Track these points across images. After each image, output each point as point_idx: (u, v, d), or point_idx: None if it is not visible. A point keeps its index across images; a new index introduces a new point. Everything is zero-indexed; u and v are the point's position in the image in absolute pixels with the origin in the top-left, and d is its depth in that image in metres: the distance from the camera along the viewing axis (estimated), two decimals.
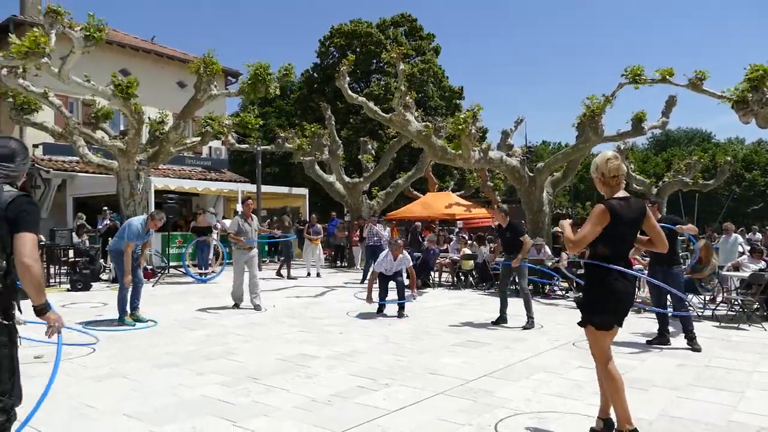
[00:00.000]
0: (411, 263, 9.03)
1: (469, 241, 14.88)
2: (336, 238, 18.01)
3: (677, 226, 6.59)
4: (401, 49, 14.22)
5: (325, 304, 9.75)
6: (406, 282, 8.90)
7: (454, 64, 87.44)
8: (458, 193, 23.91)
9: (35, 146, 20.57)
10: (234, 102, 43.29)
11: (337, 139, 18.68)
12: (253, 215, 9.50)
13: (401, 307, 8.51)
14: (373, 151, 20.19)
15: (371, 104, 14.37)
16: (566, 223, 3.74)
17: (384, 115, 13.65)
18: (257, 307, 8.92)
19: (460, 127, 11.64)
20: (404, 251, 8.93)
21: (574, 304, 9.82)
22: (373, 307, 8.79)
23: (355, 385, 4.72)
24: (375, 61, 33.86)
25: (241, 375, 5.04)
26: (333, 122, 18.74)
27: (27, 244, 2.54)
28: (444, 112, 32.13)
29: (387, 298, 8.73)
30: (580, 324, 3.59)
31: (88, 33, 11.49)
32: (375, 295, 8.64)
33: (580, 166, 14.97)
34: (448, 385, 4.75)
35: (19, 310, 3.73)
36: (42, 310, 2.71)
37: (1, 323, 2.60)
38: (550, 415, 4.05)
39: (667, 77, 11.66)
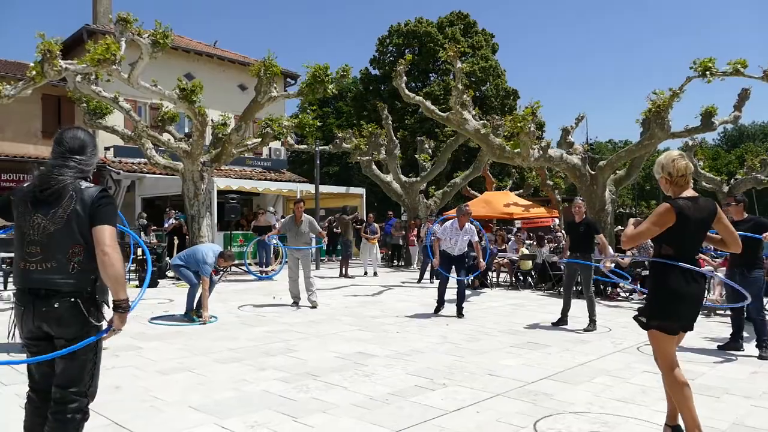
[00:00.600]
0: (477, 237, 8.75)
1: (528, 241, 14.62)
2: (393, 237, 18.07)
3: (764, 235, 6.12)
4: (458, 47, 14.12)
5: (382, 303, 9.79)
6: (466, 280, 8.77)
7: (511, 64, 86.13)
8: (516, 192, 23.53)
9: (106, 149, 21.56)
10: (293, 103, 44.10)
11: (394, 138, 18.73)
12: (306, 217, 9.39)
13: (460, 308, 8.43)
14: (430, 151, 20.14)
15: (428, 103, 14.34)
16: (632, 221, 3.61)
17: (441, 113, 13.59)
18: (313, 304, 9.05)
19: (518, 124, 11.45)
20: (472, 222, 8.69)
21: (638, 306, 9.49)
22: (431, 307, 8.76)
23: (412, 385, 4.72)
24: (433, 60, 33.76)
25: (300, 371, 5.13)
26: (390, 122, 18.80)
27: (105, 234, 2.53)
28: (500, 111, 31.73)
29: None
30: (643, 327, 3.45)
31: (155, 39, 11.95)
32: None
33: (644, 163, 14.43)
34: (506, 386, 4.68)
35: None
36: (122, 307, 2.64)
37: (93, 325, 2.63)
38: (614, 419, 3.92)
39: (740, 69, 11.09)
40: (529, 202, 21.19)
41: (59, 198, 2.52)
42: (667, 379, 3.32)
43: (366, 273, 14.93)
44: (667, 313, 3.32)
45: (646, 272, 9.87)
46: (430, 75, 35.35)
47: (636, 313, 3.53)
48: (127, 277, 12.85)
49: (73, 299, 2.53)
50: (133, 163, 20.88)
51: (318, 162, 17.85)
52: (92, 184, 2.64)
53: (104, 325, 2.67)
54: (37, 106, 19.93)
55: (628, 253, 10.64)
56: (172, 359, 5.60)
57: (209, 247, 8.17)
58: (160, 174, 18.15)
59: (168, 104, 14.81)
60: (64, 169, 2.60)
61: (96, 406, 4.07)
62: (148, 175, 20.00)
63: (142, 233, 15.09)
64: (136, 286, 11.95)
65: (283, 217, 18.59)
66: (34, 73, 10.27)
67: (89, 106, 14.88)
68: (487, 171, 22.35)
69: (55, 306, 2.51)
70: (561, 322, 7.63)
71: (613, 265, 10.31)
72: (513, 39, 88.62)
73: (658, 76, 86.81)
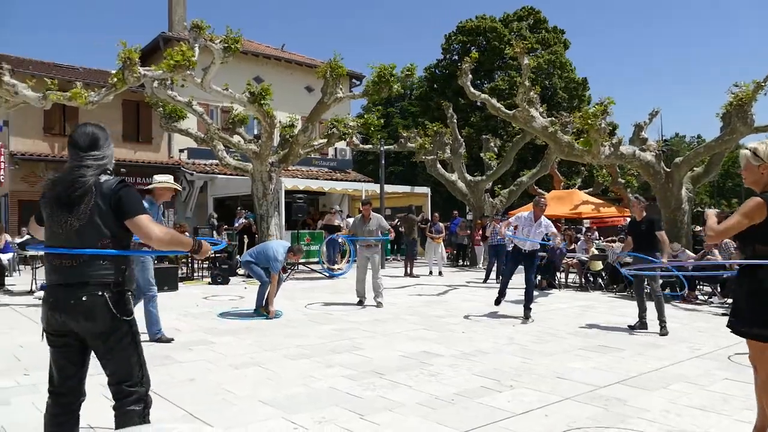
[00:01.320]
0: (554, 229, 8.51)
1: (600, 240, 14.17)
2: (458, 236, 17.95)
3: None
4: (525, 43, 13.87)
5: (447, 303, 9.75)
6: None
7: (580, 57, 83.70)
8: (586, 190, 22.86)
9: (181, 151, 22.50)
10: (358, 104, 44.55)
11: (459, 137, 18.61)
12: (374, 215, 9.60)
13: (528, 310, 8.25)
14: (495, 149, 19.89)
15: (494, 101, 14.15)
16: (711, 212, 3.35)
17: (507, 111, 13.39)
18: (379, 304, 9.11)
19: (589, 121, 11.13)
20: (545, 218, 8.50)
21: (717, 311, 9.03)
22: (497, 307, 8.64)
23: (478, 386, 4.68)
24: (499, 56, 33.31)
25: (366, 369, 5.17)
26: (455, 120, 18.68)
27: (142, 225, 2.54)
28: (568, 105, 30.88)
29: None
30: (741, 334, 3.19)
31: (226, 45, 12.36)
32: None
33: (725, 159, 13.70)
34: (576, 390, 4.56)
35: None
36: (197, 250, 2.80)
37: (122, 320, 2.59)
38: (692, 428, 3.75)
39: None
40: (600, 201, 20.55)
41: (83, 195, 2.54)
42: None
43: (431, 272, 14.90)
44: None
45: (728, 274, 9.38)
46: (496, 72, 34.88)
47: (728, 321, 3.28)
48: (200, 275, 13.34)
49: (100, 293, 2.53)
50: (205, 165, 21.67)
51: (383, 161, 17.96)
52: (110, 177, 2.65)
53: (134, 317, 2.68)
54: (118, 112, 21.00)
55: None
56: (242, 354, 5.77)
57: (279, 244, 8.38)
58: (230, 175, 18.75)
59: (238, 107, 15.28)
60: (82, 169, 2.59)
61: (172, 397, 4.27)
62: (219, 176, 20.71)
63: (214, 232, 15.65)
64: (208, 283, 12.38)
65: (349, 216, 18.82)
66: (115, 80, 10.82)
67: (165, 110, 15.55)
68: (554, 169, 21.84)
69: (83, 299, 2.51)
70: (640, 326, 7.33)
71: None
72: (582, 34, 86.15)
73: (736, 69, 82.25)
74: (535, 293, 10.99)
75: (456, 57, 33.61)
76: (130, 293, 2.67)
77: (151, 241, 2.55)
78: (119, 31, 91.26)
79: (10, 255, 12.81)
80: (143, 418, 2.60)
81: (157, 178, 6.43)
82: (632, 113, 54.05)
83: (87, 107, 10.91)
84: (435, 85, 35.47)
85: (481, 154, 19.72)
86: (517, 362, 5.49)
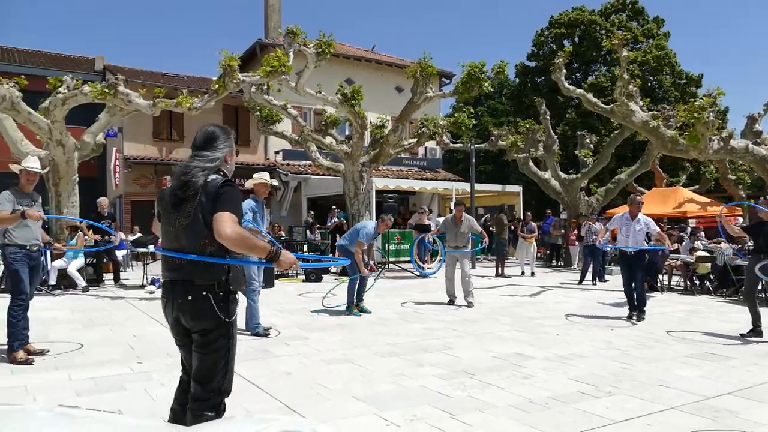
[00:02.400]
0: (656, 227, 8.16)
1: (707, 241, 13.29)
2: (551, 236, 17.43)
3: None
4: (624, 35, 13.24)
5: (540, 304, 9.50)
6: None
7: (688, 49, 78.75)
8: (691, 188, 21.50)
9: (276, 152, 23.33)
10: (448, 103, 44.36)
11: (553, 134, 18.06)
12: (465, 217, 9.51)
13: (641, 311, 7.87)
14: (591, 146, 19.13)
15: (590, 96, 13.62)
16: None
17: (604, 106, 12.84)
18: (470, 304, 9.02)
19: (695, 115, 10.45)
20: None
21: None
22: (594, 309, 8.32)
23: (575, 390, 4.52)
24: (597, 49, 32.04)
25: (457, 369, 5.14)
26: (548, 117, 18.15)
27: (219, 221, 2.49)
28: (675, 100, 29.15)
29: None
30: None
31: (319, 49, 12.69)
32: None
33: None
34: (682, 400, 4.30)
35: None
36: (274, 258, 2.61)
37: (223, 321, 2.65)
38: None
39: None
40: (707, 200, 19.25)
41: (194, 194, 2.61)
42: None
43: (523, 273, 14.59)
44: None
45: None
46: (593, 66, 33.55)
47: None
48: (295, 272, 13.78)
49: (204, 292, 2.59)
50: (299, 165, 22.37)
51: (473, 160, 17.78)
52: (218, 176, 2.68)
53: (235, 320, 2.73)
54: (219, 116, 22.08)
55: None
56: (335, 350, 5.91)
57: (368, 222, 8.63)
58: (323, 175, 19.24)
59: (330, 109, 15.65)
60: (192, 169, 2.65)
61: (271, 390, 4.44)
62: (312, 176, 21.31)
63: (308, 231, 16.12)
64: (302, 281, 12.76)
65: (440, 215, 18.78)
66: (216, 86, 11.41)
67: (262, 114, 16.19)
68: (656, 166, 20.72)
69: (189, 299, 2.60)
70: (754, 334, 6.80)
71: None
72: (687, 23, 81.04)
73: None
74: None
75: (549, 52, 32.65)
76: (234, 294, 2.72)
77: (221, 238, 2.48)
78: (219, 39, 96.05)
79: (124, 252, 13.82)
80: None
81: (255, 175, 6.72)
82: (744, 104, 50.17)
83: (191, 113, 11.57)
84: (528, 81, 34.62)
85: (576, 151, 19.03)
86: (617, 368, 5.26)
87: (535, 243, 15.03)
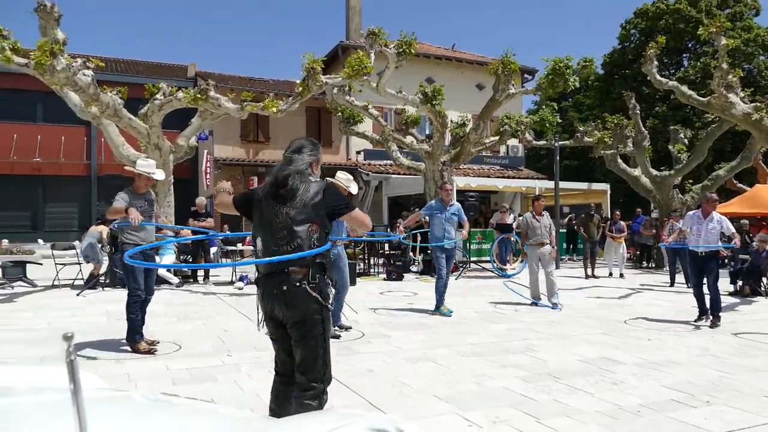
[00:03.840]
0: (730, 226, 7.66)
1: None
2: (641, 236, 16.65)
3: None
4: (721, 22, 12.45)
5: (629, 307, 9.10)
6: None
7: None
8: None
9: (358, 152, 23.66)
10: (529, 99, 43.39)
11: (643, 129, 17.24)
12: (545, 213, 9.38)
13: (714, 317, 7.42)
14: (685, 141, 18.11)
15: (684, 88, 12.92)
16: None
17: (700, 98, 12.16)
18: (554, 305, 8.78)
19: None
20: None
21: None
22: (689, 314, 7.88)
23: (668, 398, 4.30)
24: (686, 40, 30.31)
25: (541, 371, 5.02)
26: (638, 111, 17.34)
27: (356, 218, 3.04)
28: None
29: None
30: None
31: (400, 49, 12.75)
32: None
33: None
34: None
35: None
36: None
37: (317, 309, 2.79)
38: None
39: None
40: None
41: (296, 190, 2.84)
42: None
43: (611, 274, 14.04)
44: None
45: None
46: (682, 57, 31.75)
47: None
48: (375, 271, 13.92)
49: (298, 283, 2.74)
50: (380, 165, 22.58)
51: (557, 158, 17.29)
52: (319, 179, 3.02)
53: (331, 306, 2.92)
54: (302, 118, 22.70)
55: None
56: (417, 349, 5.92)
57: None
58: (404, 174, 19.33)
59: (411, 108, 15.69)
60: (288, 166, 2.93)
61: (354, 386, 4.52)
62: (393, 176, 21.46)
63: (389, 229, 16.26)
64: (384, 279, 12.88)
65: (520, 215, 18.40)
66: (300, 89, 11.71)
67: (344, 114, 16.47)
68: (759, 161, 19.32)
69: (284, 288, 2.73)
70: None
71: None
72: None
73: None
74: (736, 300, 9.89)
75: (637, 43, 31.20)
76: (328, 284, 2.88)
77: (370, 227, 3.14)
78: (302, 43, 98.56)
79: (214, 249, 14.46)
80: None
81: (338, 174, 6.81)
82: None
83: (277, 115, 11.94)
84: (615, 75, 33.23)
85: (669, 147, 18.07)
86: (714, 376, 4.96)
87: (624, 243, 14.43)
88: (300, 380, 2.80)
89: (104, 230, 11.30)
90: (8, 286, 10.62)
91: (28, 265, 11.25)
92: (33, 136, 22.78)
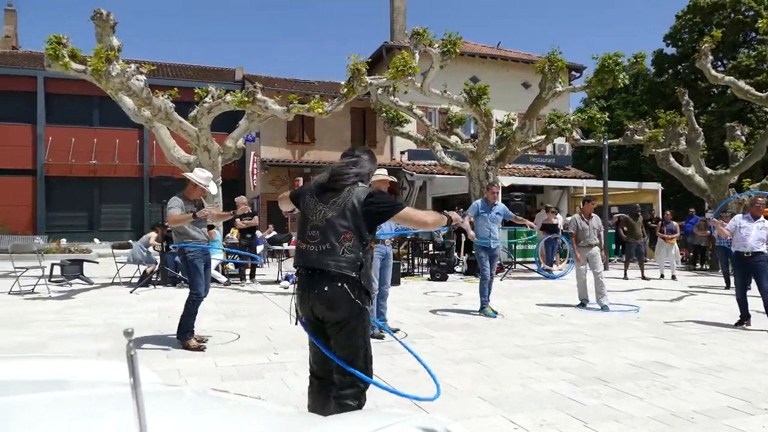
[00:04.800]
0: None
1: None
2: (695, 237, 16.10)
3: None
4: None
5: (682, 310, 8.82)
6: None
7: None
8: None
9: (402, 153, 23.68)
10: (577, 97, 42.54)
11: (697, 126, 16.67)
12: (594, 214, 9.18)
13: None
14: (743, 137, 17.42)
15: (741, 83, 12.44)
16: None
17: (759, 94, 11.71)
18: (604, 308, 8.59)
19: None
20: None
21: None
22: (748, 320, 7.58)
23: (724, 405, 4.15)
24: (743, 33, 29.15)
25: (589, 375, 4.92)
26: (691, 108, 16.78)
27: (413, 212, 3.01)
28: None
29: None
30: None
31: (445, 49, 12.70)
32: None
33: None
34: None
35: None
36: (450, 220, 3.25)
37: (363, 308, 2.82)
38: None
39: None
40: None
41: (340, 190, 2.85)
42: None
43: (662, 276, 13.63)
44: None
45: None
46: (739, 51, 30.53)
47: None
48: (420, 271, 13.90)
49: (340, 284, 2.73)
50: (424, 165, 22.53)
51: (606, 157, 16.90)
52: (365, 185, 2.98)
53: (369, 308, 2.90)
54: (347, 119, 22.86)
55: None
56: (461, 350, 5.89)
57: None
58: (448, 174, 19.24)
59: (455, 108, 15.60)
60: (348, 169, 2.94)
61: (397, 386, 4.52)
62: (437, 176, 21.38)
63: (433, 230, 16.20)
64: (428, 279, 12.84)
65: (568, 215, 18.05)
66: (345, 90, 11.80)
67: (388, 115, 16.50)
68: None
69: (325, 289, 2.73)
70: None
71: None
72: None
73: None
74: None
75: (690, 37, 30.16)
76: (366, 285, 2.86)
77: (428, 225, 3.11)
78: (347, 44, 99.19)
79: (260, 248, 14.74)
80: None
81: (377, 171, 6.81)
82: None
83: (322, 116, 12.07)
84: (667, 70, 32.21)
85: (725, 144, 17.41)
86: None
87: (676, 244, 13.99)
88: (339, 380, 2.80)
89: (153, 235, 11.68)
90: (66, 283, 11.06)
91: (84, 263, 11.70)
92: (90, 140, 23.69)
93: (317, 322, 2.85)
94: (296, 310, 2.95)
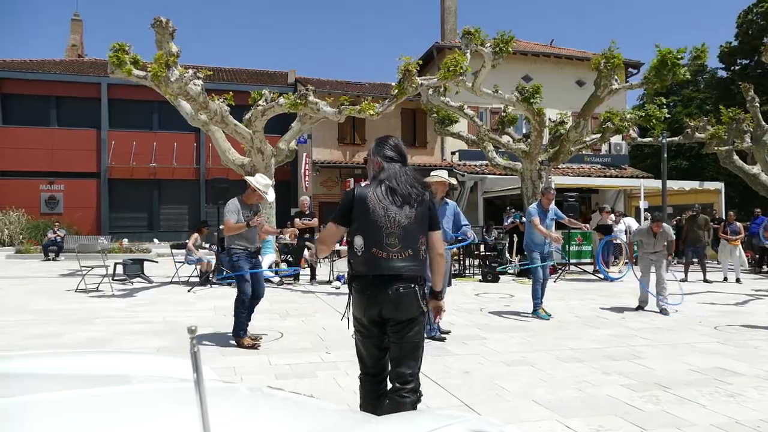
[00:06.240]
0: None
1: None
2: (762, 238, 15.37)
3: None
4: None
5: (748, 315, 8.44)
6: None
7: None
8: None
9: (453, 153, 23.57)
10: (634, 95, 41.29)
11: (763, 122, 15.92)
12: (664, 226, 8.81)
13: None
14: None
15: None
16: None
17: None
18: (663, 311, 8.31)
19: None
20: None
21: None
22: None
23: None
24: None
25: (648, 380, 4.77)
26: (757, 104, 16.04)
27: (439, 239, 3.01)
28: None
29: None
30: None
31: (496, 48, 12.56)
32: None
33: None
34: None
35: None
36: (441, 296, 3.12)
37: (423, 310, 2.90)
38: None
39: None
40: None
41: (418, 198, 2.91)
42: None
43: (726, 279, 13.08)
44: None
45: None
46: None
47: None
48: (471, 272, 13.79)
49: (413, 285, 2.83)
50: (475, 165, 22.35)
51: (665, 155, 16.35)
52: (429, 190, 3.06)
53: (427, 311, 2.99)
54: (398, 120, 22.92)
55: None
56: (514, 352, 5.81)
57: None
58: (499, 174, 19.02)
59: (508, 107, 15.39)
60: (411, 176, 2.97)
61: (449, 387, 4.51)
62: (489, 176, 21.17)
63: (484, 231, 16.03)
64: (479, 281, 12.73)
65: (625, 215, 17.51)
66: (396, 91, 11.83)
67: (439, 115, 16.44)
68: None
69: (400, 290, 2.79)
70: None
71: None
72: None
73: None
74: None
75: (758, 31, 28.81)
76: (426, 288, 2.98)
77: (439, 254, 3.00)
78: (398, 46, 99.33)
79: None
80: (413, 408, 2.81)
81: (433, 173, 6.76)
82: None
83: (373, 118, 12.13)
84: (734, 65, 30.85)
85: None
86: None
87: (740, 246, 13.40)
88: (398, 375, 2.84)
89: (194, 237, 11.94)
90: (128, 282, 11.50)
91: (145, 262, 12.13)
92: (150, 143, 24.57)
93: (380, 321, 2.89)
94: (348, 310, 3.01)
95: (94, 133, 24.42)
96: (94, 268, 10.64)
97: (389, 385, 2.91)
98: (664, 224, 8.85)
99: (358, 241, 2.87)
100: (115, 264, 11.78)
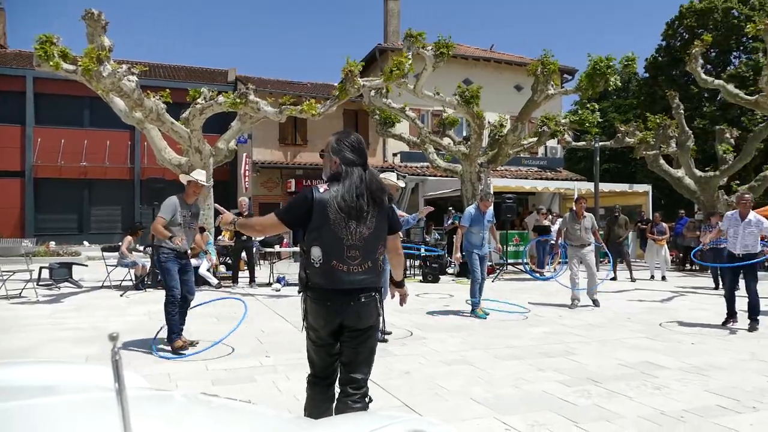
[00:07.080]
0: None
1: None
2: (684, 238, 16.20)
3: None
4: None
5: (672, 311, 8.87)
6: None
7: None
8: None
9: (394, 155, 23.70)
10: (569, 100, 42.70)
11: (687, 129, 16.79)
12: (587, 214, 9.22)
13: (753, 320, 7.19)
14: (732, 140, 17.56)
15: (730, 87, 12.56)
16: None
17: (747, 97, 11.81)
18: (595, 302, 8.68)
19: None
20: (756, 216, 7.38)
21: None
22: (737, 320, 7.63)
23: (713, 404, 4.17)
24: (735, 38, 29.36)
25: (581, 376, 4.94)
26: (681, 111, 16.89)
27: (398, 241, 3.11)
28: None
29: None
30: None
31: (437, 51, 12.72)
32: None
33: None
34: None
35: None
36: (401, 284, 3.31)
37: (380, 314, 2.95)
38: None
39: None
40: None
41: (375, 207, 2.78)
42: None
43: (652, 277, 13.71)
44: None
45: None
46: (730, 56, 30.73)
47: None
48: (411, 273, 13.90)
49: (374, 293, 2.80)
50: (416, 167, 22.56)
51: (597, 159, 16.95)
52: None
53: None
54: (340, 120, 22.85)
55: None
56: (453, 351, 5.89)
57: (472, 205, 8.63)
58: (440, 176, 19.25)
59: (448, 110, 15.62)
60: (373, 181, 2.81)
61: (390, 388, 4.52)
62: (430, 178, 21.40)
63: (425, 232, 16.22)
64: (420, 281, 12.85)
65: (559, 216, 18.08)
66: (338, 92, 11.78)
67: (381, 117, 16.49)
68: None
69: (362, 301, 2.74)
70: None
71: None
72: None
73: None
74: None
75: (682, 42, 30.32)
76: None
77: (399, 254, 3.16)
78: (340, 47, 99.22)
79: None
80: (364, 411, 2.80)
81: (382, 175, 6.78)
82: None
83: (315, 118, 12.04)
84: (660, 73, 32.32)
85: (717, 146, 17.54)
86: (762, 381, 4.79)
87: (666, 245, 14.08)
88: (349, 381, 2.81)
89: (127, 240, 11.53)
90: (55, 287, 10.98)
91: (73, 266, 11.61)
92: (80, 141, 23.53)
93: (338, 330, 2.80)
94: (307, 319, 2.84)
95: (18, 130, 23.17)
96: (16, 273, 10.05)
97: (338, 390, 2.87)
98: (588, 212, 9.23)
99: (316, 252, 2.69)
100: (41, 268, 11.22)
